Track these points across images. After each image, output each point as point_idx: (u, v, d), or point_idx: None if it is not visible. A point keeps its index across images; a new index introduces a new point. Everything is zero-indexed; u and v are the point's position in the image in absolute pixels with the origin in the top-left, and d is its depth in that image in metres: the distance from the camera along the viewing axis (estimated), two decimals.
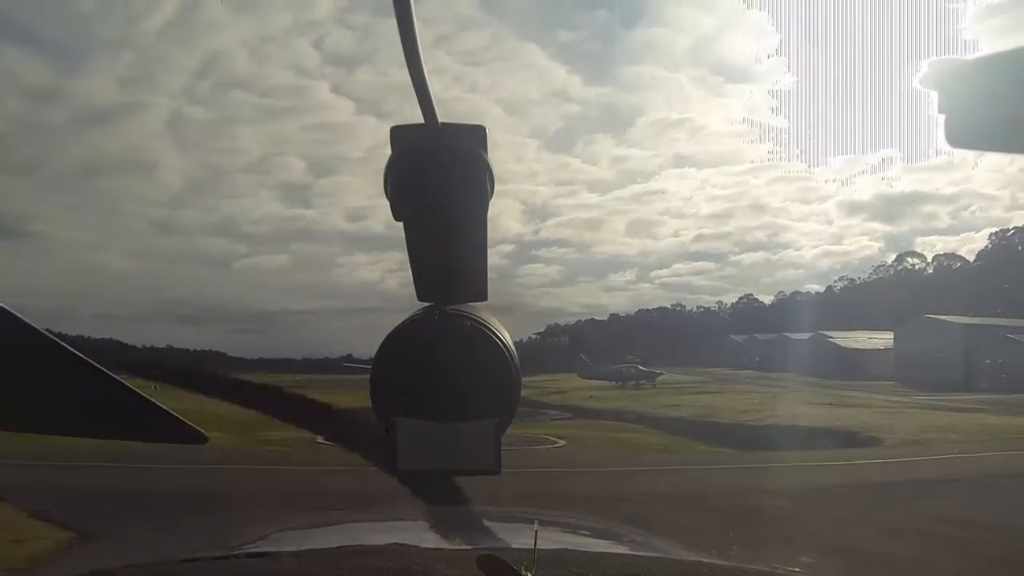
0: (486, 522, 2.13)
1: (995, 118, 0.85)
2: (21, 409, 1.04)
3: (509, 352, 1.03)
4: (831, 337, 53.63)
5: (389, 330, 1.02)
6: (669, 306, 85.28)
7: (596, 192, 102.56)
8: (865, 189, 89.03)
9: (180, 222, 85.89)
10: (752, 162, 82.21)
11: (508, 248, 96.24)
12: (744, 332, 65.13)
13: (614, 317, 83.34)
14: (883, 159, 78.83)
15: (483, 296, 1.10)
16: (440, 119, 0.88)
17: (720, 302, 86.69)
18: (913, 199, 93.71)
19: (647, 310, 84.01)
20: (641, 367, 46.24)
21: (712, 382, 42.65)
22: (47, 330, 0.96)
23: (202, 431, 1.11)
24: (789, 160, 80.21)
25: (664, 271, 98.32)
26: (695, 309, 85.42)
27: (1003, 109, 0.84)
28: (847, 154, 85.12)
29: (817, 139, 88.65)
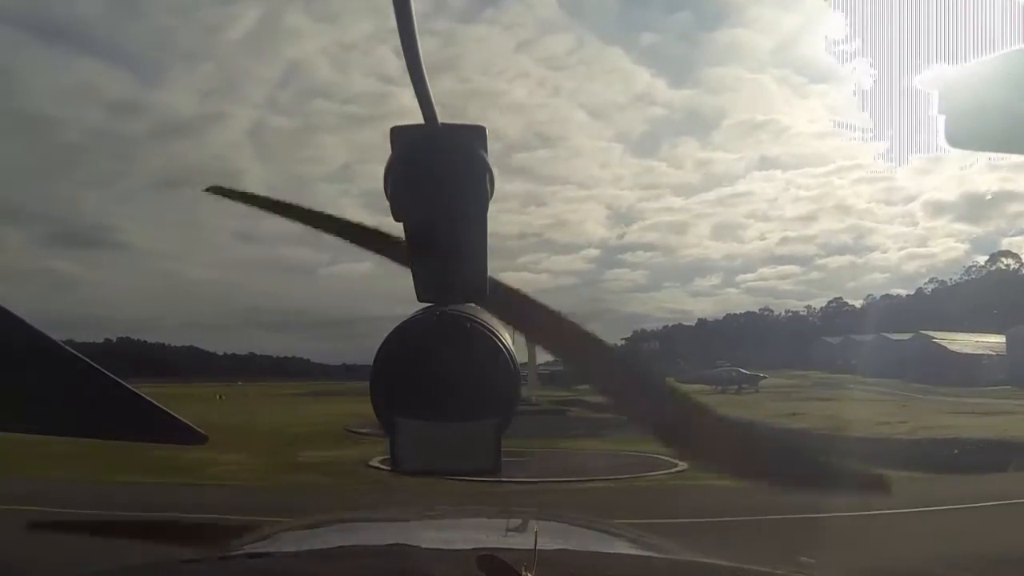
0: (486, 522, 2.04)
1: (995, 118, 0.81)
2: (21, 409, 1.01)
3: (509, 352, 1.01)
4: (935, 339, 48.24)
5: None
6: (757, 310, 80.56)
7: (681, 196, 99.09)
8: (950, 189, 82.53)
9: (263, 231, 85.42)
10: (836, 163, 76.80)
11: (593, 253, 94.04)
12: (837, 335, 59.87)
13: (702, 322, 79.32)
14: (967, 158, 72.34)
15: (483, 296, 1.08)
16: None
17: (809, 306, 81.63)
18: (999, 199, 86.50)
19: (735, 315, 79.53)
20: (742, 370, 42.62)
21: (813, 386, 38.53)
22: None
23: (202, 432, 1.09)
24: (874, 160, 74.68)
25: (750, 275, 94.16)
26: (783, 313, 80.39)
27: (1003, 109, 0.80)
28: (930, 152, 78.83)
29: (900, 138, 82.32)
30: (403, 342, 0.99)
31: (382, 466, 15.15)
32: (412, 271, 1.04)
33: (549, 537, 1.48)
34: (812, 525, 9.19)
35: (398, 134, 0.91)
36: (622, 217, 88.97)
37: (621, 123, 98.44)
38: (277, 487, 13.23)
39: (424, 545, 1.49)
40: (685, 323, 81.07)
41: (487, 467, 0.99)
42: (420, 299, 1.06)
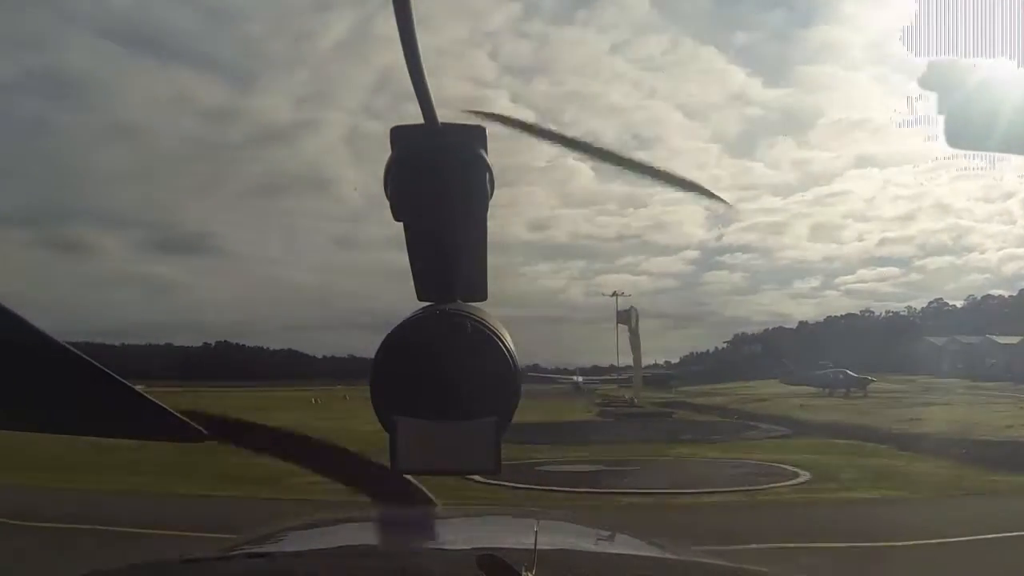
0: (486, 522, 2.00)
1: (995, 118, 0.76)
2: (21, 409, 1.03)
3: (509, 352, 0.99)
4: None
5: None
6: (858, 312, 79.00)
7: (778, 196, 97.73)
8: None
9: (360, 236, 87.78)
10: (934, 160, 74.65)
11: (692, 254, 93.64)
12: (939, 336, 58.51)
13: (802, 325, 78.31)
14: None
15: (483, 296, 1.10)
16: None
17: (910, 307, 79.43)
18: None
19: (835, 317, 78.18)
20: (850, 373, 41.08)
21: (923, 391, 37.45)
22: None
23: (201, 429, 1.08)
24: (972, 157, 72.21)
25: (849, 277, 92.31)
26: (883, 315, 78.50)
27: (1003, 109, 0.75)
28: None
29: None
30: (403, 342, 0.99)
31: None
32: (412, 271, 1.05)
33: (549, 537, 1.50)
34: (974, 548, 8.69)
35: (398, 134, 0.92)
36: (720, 218, 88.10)
37: (717, 123, 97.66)
38: (359, 503, 12.59)
39: (424, 545, 1.50)
40: (786, 326, 79.96)
41: (487, 466, 0.99)
42: (420, 299, 1.07)
